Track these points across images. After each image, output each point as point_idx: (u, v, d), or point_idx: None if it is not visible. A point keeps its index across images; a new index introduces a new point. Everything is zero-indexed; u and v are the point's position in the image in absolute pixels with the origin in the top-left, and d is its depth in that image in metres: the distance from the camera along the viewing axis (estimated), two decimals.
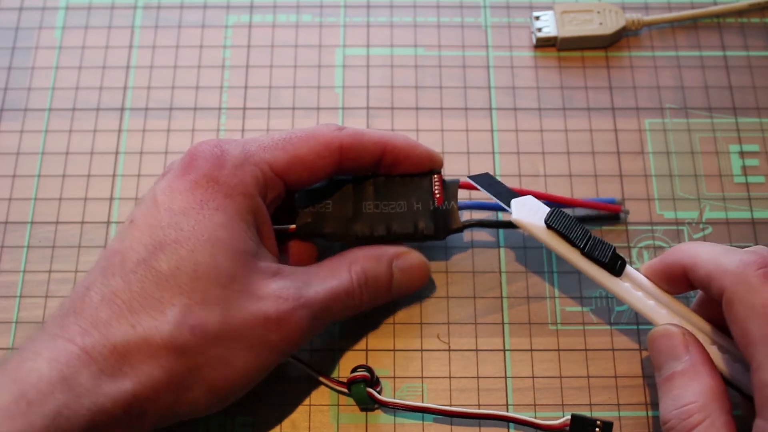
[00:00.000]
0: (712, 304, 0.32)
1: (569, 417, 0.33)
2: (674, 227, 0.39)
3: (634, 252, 0.38)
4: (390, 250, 0.35)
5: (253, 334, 0.30)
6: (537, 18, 0.43)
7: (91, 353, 0.27)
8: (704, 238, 0.39)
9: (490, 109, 0.42)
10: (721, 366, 0.31)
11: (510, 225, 0.36)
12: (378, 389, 0.35)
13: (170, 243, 0.29)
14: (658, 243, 0.39)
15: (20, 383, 0.26)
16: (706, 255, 0.31)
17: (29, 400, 0.26)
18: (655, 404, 0.35)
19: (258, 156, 0.32)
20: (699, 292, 0.34)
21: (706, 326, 0.33)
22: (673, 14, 0.44)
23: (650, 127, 0.41)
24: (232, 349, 0.29)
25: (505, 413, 0.34)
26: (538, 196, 0.36)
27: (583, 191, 0.40)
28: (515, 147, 0.41)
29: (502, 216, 0.38)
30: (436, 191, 0.36)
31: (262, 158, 0.32)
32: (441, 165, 0.36)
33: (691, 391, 0.30)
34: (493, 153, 0.41)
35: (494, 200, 0.35)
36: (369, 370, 0.34)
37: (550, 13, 0.43)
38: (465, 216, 0.38)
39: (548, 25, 0.43)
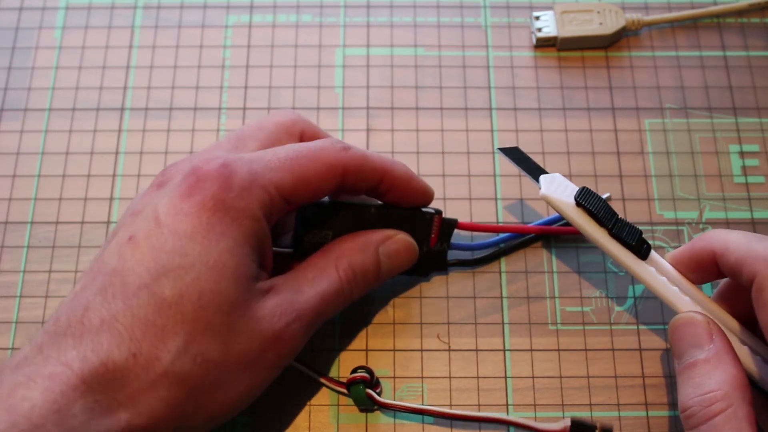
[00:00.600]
0: (735, 295, 0.33)
1: (569, 421, 0.32)
2: (674, 227, 0.39)
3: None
4: (376, 235, 0.34)
5: (251, 357, 0.30)
6: (537, 18, 0.43)
7: (89, 382, 0.27)
8: None
9: (490, 109, 0.42)
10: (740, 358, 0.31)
11: (485, 261, 0.38)
12: (378, 390, 0.35)
13: (174, 269, 0.28)
14: (658, 243, 0.39)
15: (12, 413, 0.26)
16: (738, 241, 0.31)
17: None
18: (654, 404, 0.35)
19: (265, 178, 0.31)
20: (720, 284, 0.34)
21: (726, 317, 0.33)
22: (673, 14, 0.44)
23: (650, 127, 0.41)
24: (231, 374, 0.29)
25: (503, 416, 0.33)
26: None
27: None
28: None
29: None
30: (433, 233, 0.36)
31: (269, 180, 0.31)
32: (431, 200, 0.36)
33: (714, 380, 0.29)
34: (494, 153, 0.41)
35: (525, 174, 0.36)
36: (369, 371, 0.34)
37: (550, 13, 0.43)
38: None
39: (548, 25, 0.43)
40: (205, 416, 0.29)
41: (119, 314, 0.28)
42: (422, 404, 0.34)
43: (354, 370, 0.35)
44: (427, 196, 0.35)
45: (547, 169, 0.40)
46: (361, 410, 0.35)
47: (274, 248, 0.34)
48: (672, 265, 0.33)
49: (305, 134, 0.35)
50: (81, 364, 0.27)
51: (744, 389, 0.29)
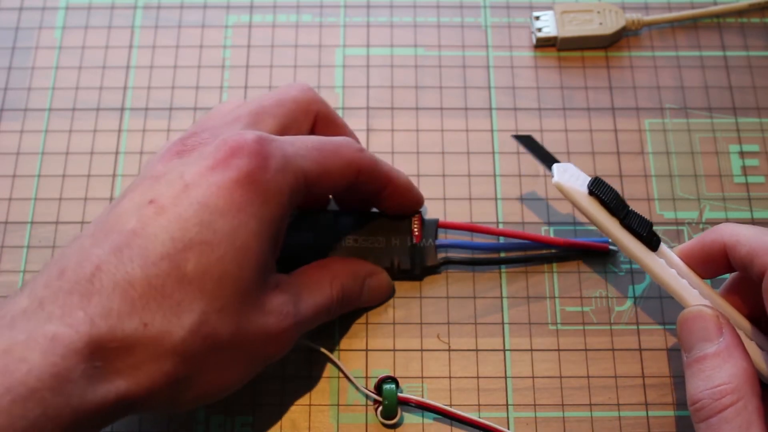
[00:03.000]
0: (743, 290, 0.33)
1: None
2: (674, 227, 0.39)
3: None
4: (364, 268, 0.36)
5: (252, 347, 0.30)
6: (537, 18, 0.43)
7: (93, 347, 0.25)
8: None
9: (490, 109, 0.42)
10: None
11: (484, 263, 0.38)
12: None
13: (200, 243, 0.27)
14: None
15: (7, 375, 0.24)
16: (749, 234, 0.31)
17: (14, 398, 0.24)
18: (654, 404, 0.35)
19: (296, 163, 0.30)
20: (728, 279, 0.34)
21: (733, 312, 0.33)
22: (673, 14, 0.44)
23: (650, 127, 0.41)
24: (231, 360, 0.29)
25: None
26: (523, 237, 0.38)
27: None
28: (515, 147, 0.41)
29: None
30: (415, 229, 0.37)
31: (299, 166, 0.30)
32: (421, 206, 0.37)
33: (724, 373, 0.30)
34: (493, 153, 0.41)
35: (536, 166, 0.36)
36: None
37: (550, 13, 0.43)
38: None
39: (548, 25, 0.43)
40: (194, 395, 0.29)
41: (136, 281, 0.27)
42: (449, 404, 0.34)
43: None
44: (420, 204, 0.37)
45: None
46: (384, 422, 0.34)
47: None
48: (680, 258, 0.34)
49: (320, 114, 0.35)
50: (88, 328, 0.25)
51: (754, 383, 0.29)
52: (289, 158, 0.30)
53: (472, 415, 0.34)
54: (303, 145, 0.31)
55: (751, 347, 0.32)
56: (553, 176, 0.34)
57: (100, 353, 0.26)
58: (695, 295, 0.33)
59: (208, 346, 0.28)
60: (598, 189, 0.33)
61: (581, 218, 0.39)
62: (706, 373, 0.30)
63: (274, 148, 0.30)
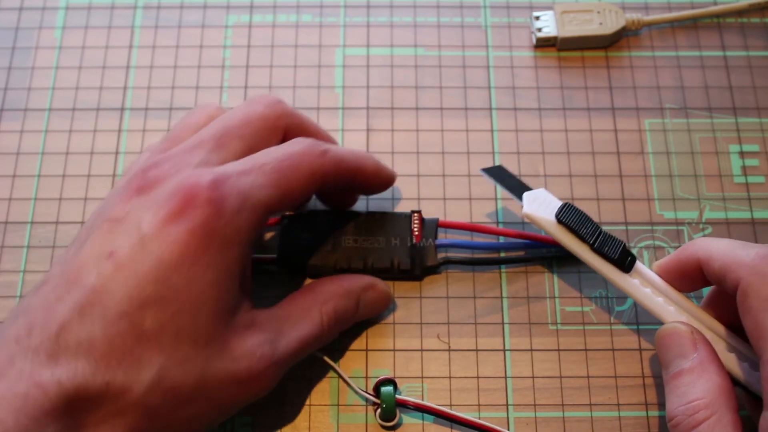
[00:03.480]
0: (722, 302, 0.33)
1: None
2: (674, 227, 0.39)
3: (633, 252, 0.38)
4: (358, 283, 0.35)
5: (221, 394, 0.30)
6: (537, 18, 0.43)
7: (61, 408, 0.26)
8: None
9: (490, 109, 0.42)
10: (728, 364, 0.31)
11: (484, 263, 0.38)
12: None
13: (156, 300, 0.28)
14: (658, 243, 0.39)
15: None
16: (722, 248, 0.31)
17: None
18: (654, 404, 0.35)
19: (254, 198, 0.30)
20: (708, 291, 0.34)
21: (714, 324, 0.33)
22: (673, 14, 0.44)
23: (650, 127, 0.41)
24: (198, 409, 0.29)
25: None
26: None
27: (583, 191, 0.40)
28: (515, 147, 0.41)
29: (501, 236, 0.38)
30: (415, 229, 0.37)
31: (257, 200, 0.30)
32: (394, 182, 0.37)
33: (698, 388, 0.30)
34: (493, 153, 0.41)
35: (508, 193, 0.36)
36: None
37: (550, 13, 0.43)
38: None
39: (548, 25, 0.43)
40: None
41: (97, 340, 0.27)
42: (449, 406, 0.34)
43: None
44: (391, 182, 0.37)
45: (547, 170, 0.40)
46: (383, 424, 0.34)
47: (257, 255, 0.36)
48: (658, 274, 0.34)
49: (290, 127, 0.34)
50: (56, 389, 0.26)
51: (728, 396, 0.29)
52: (245, 195, 0.30)
53: (472, 416, 0.34)
54: (261, 171, 0.31)
55: (731, 358, 0.32)
56: (522, 206, 0.34)
57: (68, 412, 0.27)
58: (671, 312, 0.33)
59: (170, 399, 0.28)
60: (566, 216, 0.34)
61: None
62: (681, 389, 0.30)
63: (229, 187, 0.29)
